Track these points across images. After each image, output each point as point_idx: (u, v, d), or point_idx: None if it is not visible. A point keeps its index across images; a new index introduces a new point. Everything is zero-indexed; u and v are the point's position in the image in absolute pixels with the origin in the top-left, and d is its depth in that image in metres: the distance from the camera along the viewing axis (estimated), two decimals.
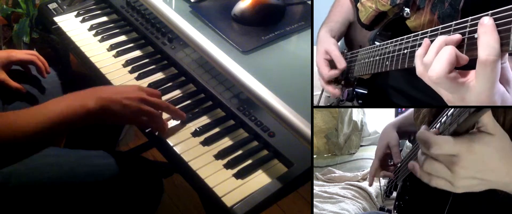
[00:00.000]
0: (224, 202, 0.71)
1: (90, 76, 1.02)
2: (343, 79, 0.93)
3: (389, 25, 0.76)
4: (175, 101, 0.90)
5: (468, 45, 0.49)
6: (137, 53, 1.03)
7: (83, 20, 1.12)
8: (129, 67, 0.98)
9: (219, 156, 0.79)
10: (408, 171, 0.79)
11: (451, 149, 0.42)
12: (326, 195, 1.31)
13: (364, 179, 1.40)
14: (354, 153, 1.63)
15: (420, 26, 0.70)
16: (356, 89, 0.88)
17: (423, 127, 0.46)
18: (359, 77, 0.87)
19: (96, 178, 0.83)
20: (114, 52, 1.02)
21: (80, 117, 0.72)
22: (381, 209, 1.08)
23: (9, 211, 0.77)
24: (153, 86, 0.92)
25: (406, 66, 0.61)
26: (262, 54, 0.96)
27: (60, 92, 1.05)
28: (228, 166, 0.77)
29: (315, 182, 1.43)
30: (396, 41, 0.65)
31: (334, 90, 0.89)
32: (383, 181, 1.05)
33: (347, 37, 0.98)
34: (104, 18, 1.14)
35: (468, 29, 0.49)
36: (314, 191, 1.32)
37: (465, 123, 0.41)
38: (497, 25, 0.44)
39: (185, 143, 0.81)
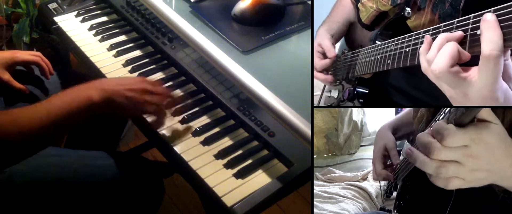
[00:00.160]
0: (224, 202, 0.71)
1: (90, 76, 1.02)
2: (343, 78, 0.93)
3: (390, 25, 0.76)
4: (178, 97, 0.90)
5: (470, 42, 0.49)
6: (137, 53, 1.03)
7: (83, 20, 1.12)
8: (129, 67, 0.98)
9: (219, 155, 0.79)
10: (408, 170, 0.79)
11: (463, 138, 0.42)
12: (326, 195, 1.31)
13: (364, 179, 1.39)
14: (354, 153, 1.63)
15: (421, 26, 0.70)
16: (357, 89, 0.88)
17: (427, 130, 0.46)
18: (360, 76, 0.87)
19: (98, 179, 0.83)
20: (114, 52, 1.02)
21: (84, 110, 0.71)
22: (381, 209, 1.08)
23: (12, 210, 0.78)
24: None
25: (408, 64, 0.61)
26: (262, 54, 0.96)
27: None
28: (228, 165, 0.77)
29: (315, 182, 1.43)
30: (398, 39, 0.65)
31: (325, 77, 0.93)
32: (383, 181, 1.05)
33: (348, 37, 0.98)
34: (104, 18, 1.14)
35: (470, 26, 0.49)
36: (314, 191, 1.32)
37: (466, 116, 0.41)
38: (500, 21, 0.45)
39: (185, 143, 0.81)
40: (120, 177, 0.85)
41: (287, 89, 0.84)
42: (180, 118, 0.85)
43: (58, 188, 0.80)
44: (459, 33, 0.50)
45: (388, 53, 0.69)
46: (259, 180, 0.75)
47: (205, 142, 0.81)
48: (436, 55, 0.51)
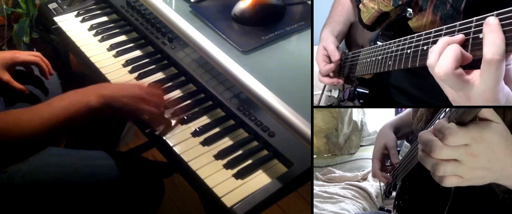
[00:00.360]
0: (224, 202, 0.71)
1: (90, 76, 1.02)
2: (344, 78, 0.93)
3: (391, 25, 0.76)
4: (175, 101, 0.90)
5: (472, 45, 0.49)
6: (137, 53, 1.03)
7: (83, 20, 1.12)
8: (129, 67, 0.98)
9: (219, 156, 0.79)
10: (407, 170, 0.79)
11: (464, 137, 0.42)
12: (326, 195, 1.31)
13: (364, 179, 1.39)
14: (354, 153, 1.63)
15: (422, 26, 0.70)
16: (357, 89, 0.88)
17: (429, 129, 0.46)
18: (361, 77, 0.87)
19: (98, 179, 0.84)
20: (114, 52, 1.02)
21: (82, 114, 0.73)
22: (381, 209, 1.08)
23: (12, 210, 0.78)
24: None
25: (409, 66, 0.61)
26: (262, 54, 0.96)
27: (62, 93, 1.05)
28: (228, 166, 0.77)
29: (315, 182, 1.43)
30: (400, 41, 0.65)
31: (331, 80, 0.91)
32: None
33: (348, 37, 0.98)
34: (104, 18, 1.14)
35: (472, 30, 0.49)
36: (314, 191, 1.32)
37: (468, 115, 0.41)
38: (503, 25, 0.45)
39: (185, 143, 0.81)
40: (120, 177, 0.85)
41: (287, 89, 0.84)
42: (179, 118, 0.85)
43: (58, 188, 0.80)
44: (460, 37, 0.50)
45: (389, 55, 0.68)
46: (259, 180, 0.75)
47: (205, 142, 0.81)
48: (437, 59, 0.51)
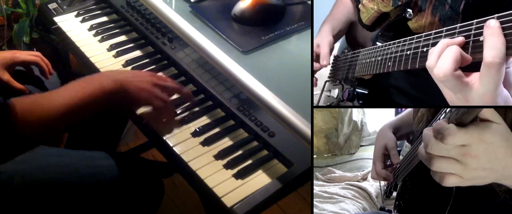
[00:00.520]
0: (224, 202, 0.71)
1: None
2: (342, 78, 0.93)
3: (391, 26, 0.76)
4: (174, 101, 0.90)
5: (473, 47, 0.49)
6: (137, 53, 1.03)
7: (83, 20, 1.12)
8: (129, 68, 0.98)
9: (219, 156, 0.79)
10: (408, 171, 0.79)
11: (463, 138, 0.41)
12: (326, 195, 1.31)
13: (364, 179, 1.39)
14: (354, 153, 1.63)
15: (421, 27, 0.70)
16: (356, 90, 0.88)
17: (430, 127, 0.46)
18: (360, 77, 0.87)
19: (98, 179, 0.84)
20: (114, 52, 1.02)
21: (97, 97, 0.75)
22: (381, 209, 1.08)
23: (12, 210, 0.78)
24: None
25: (408, 68, 0.61)
26: (262, 54, 0.96)
27: None
28: (228, 166, 0.77)
29: (315, 182, 1.43)
30: (399, 42, 0.65)
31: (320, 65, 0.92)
32: (383, 181, 1.05)
33: (348, 37, 0.98)
34: (104, 18, 1.14)
35: (473, 32, 0.49)
36: (314, 191, 1.32)
37: (468, 116, 0.41)
38: (503, 29, 0.45)
39: (185, 143, 0.81)
40: (120, 177, 0.85)
41: (287, 89, 0.84)
42: (179, 118, 0.85)
43: (58, 188, 0.80)
44: (460, 39, 0.50)
45: (388, 56, 0.68)
46: (259, 180, 0.75)
47: (205, 142, 0.81)
48: (437, 61, 0.50)
